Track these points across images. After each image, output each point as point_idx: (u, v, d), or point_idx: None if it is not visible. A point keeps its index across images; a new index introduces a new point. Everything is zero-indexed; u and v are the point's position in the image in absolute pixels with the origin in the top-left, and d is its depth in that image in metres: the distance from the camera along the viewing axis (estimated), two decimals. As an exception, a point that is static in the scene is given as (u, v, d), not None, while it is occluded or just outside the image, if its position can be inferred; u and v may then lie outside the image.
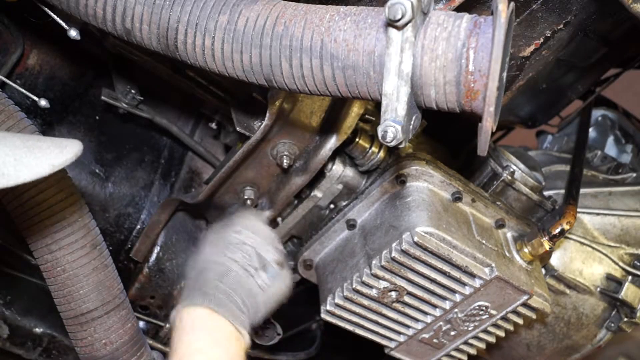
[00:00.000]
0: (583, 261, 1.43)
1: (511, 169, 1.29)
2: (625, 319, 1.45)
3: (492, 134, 0.71)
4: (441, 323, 1.23)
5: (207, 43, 0.79)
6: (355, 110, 1.15)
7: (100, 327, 1.00)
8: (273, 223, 1.34)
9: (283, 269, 1.16)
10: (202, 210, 1.41)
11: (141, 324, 1.44)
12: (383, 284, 1.15)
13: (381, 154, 1.24)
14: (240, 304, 1.05)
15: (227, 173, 1.22)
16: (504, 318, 1.24)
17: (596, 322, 1.48)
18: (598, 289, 1.44)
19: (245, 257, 1.12)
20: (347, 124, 1.16)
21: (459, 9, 0.94)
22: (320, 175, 1.26)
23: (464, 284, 1.15)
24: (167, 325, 1.43)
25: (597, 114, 1.97)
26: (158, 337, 1.44)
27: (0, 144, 0.72)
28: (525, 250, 1.23)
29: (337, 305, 1.19)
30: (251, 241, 1.14)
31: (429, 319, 1.22)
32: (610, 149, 1.92)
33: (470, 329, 1.25)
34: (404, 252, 1.09)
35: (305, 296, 1.49)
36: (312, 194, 1.30)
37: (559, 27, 1.15)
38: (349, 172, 1.27)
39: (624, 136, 1.94)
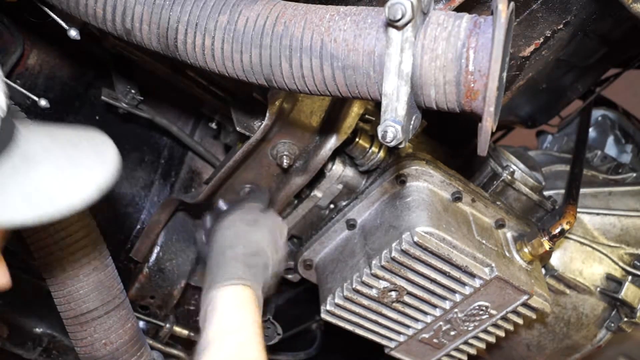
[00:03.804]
0: (583, 261, 1.43)
1: (511, 169, 1.29)
2: (625, 319, 1.45)
3: (492, 134, 0.71)
4: (441, 323, 1.23)
5: (207, 43, 0.79)
6: (355, 110, 1.15)
7: (100, 327, 1.00)
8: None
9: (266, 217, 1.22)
10: (202, 210, 1.41)
11: (141, 324, 1.43)
12: (383, 284, 1.15)
13: (381, 154, 1.24)
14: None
15: (227, 173, 1.22)
16: (504, 318, 1.24)
17: (596, 322, 1.48)
18: (598, 289, 1.44)
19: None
20: (347, 124, 1.16)
21: (459, 9, 0.94)
22: (320, 175, 1.26)
23: (464, 284, 1.15)
24: (167, 326, 1.43)
25: (597, 114, 1.97)
26: (158, 337, 1.44)
27: (45, 158, 0.65)
28: (525, 250, 1.23)
29: (337, 305, 1.19)
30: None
31: (429, 319, 1.22)
32: (610, 149, 1.92)
33: (470, 329, 1.25)
34: (404, 252, 1.09)
35: (305, 296, 1.49)
36: (312, 194, 1.30)
37: (559, 27, 1.15)
38: (349, 172, 1.27)
39: (624, 136, 1.94)
